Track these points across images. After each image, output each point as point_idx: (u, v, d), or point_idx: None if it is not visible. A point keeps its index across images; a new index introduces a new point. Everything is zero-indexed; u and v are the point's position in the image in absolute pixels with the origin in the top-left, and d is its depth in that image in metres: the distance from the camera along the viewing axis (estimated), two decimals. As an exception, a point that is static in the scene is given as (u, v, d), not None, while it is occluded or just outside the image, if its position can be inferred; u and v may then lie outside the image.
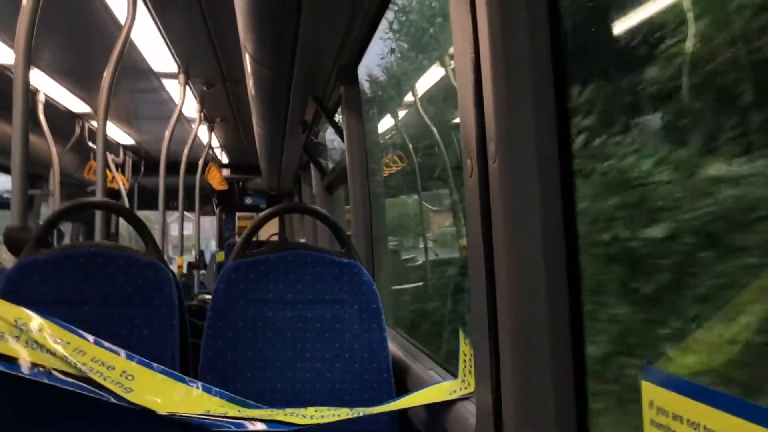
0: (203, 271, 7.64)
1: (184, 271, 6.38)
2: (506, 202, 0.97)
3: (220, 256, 8.08)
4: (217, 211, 10.09)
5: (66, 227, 7.73)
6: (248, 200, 9.77)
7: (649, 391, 0.78)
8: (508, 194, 0.96)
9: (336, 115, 3.21)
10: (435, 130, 3.43)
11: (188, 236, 8.45)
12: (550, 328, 0.97)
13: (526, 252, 0.96)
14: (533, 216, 0.96)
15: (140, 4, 2.89)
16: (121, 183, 6.38)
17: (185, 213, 6.35)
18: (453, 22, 1.08)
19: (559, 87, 0.95)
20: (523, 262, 0.96)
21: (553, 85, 0.95)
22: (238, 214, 9.94)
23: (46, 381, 1.50)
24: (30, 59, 2.06)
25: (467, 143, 1.06)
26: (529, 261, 0.96)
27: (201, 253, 8.04)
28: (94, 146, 4.93)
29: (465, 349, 1.48)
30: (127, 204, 6.44)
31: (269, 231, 7.62)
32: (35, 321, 1.56)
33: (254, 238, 2.04)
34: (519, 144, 0.94)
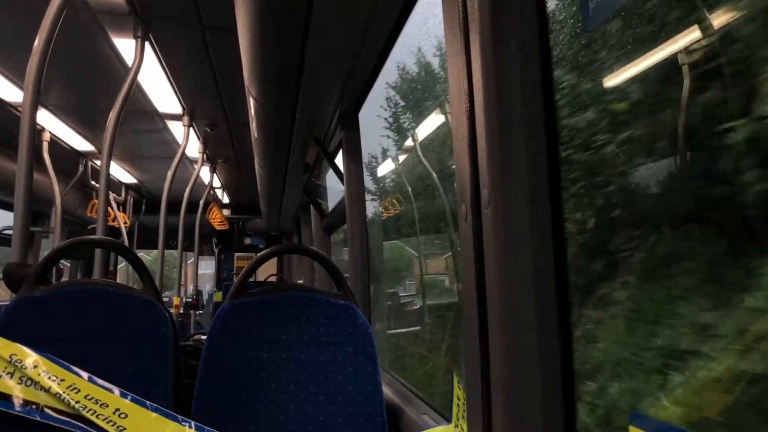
0: (200, 311, 7.60)
1: (182, 310, 6.35)
2: (498, 247, 0.99)
3: (218, 296, 8.06)
4: (216, 250, 10.10)
5: (69, 264, 7.72)
6: (247, 240, 9.79)
7: (637, 437, 0.79)
8: (500, 240, 0.98)
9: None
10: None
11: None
12: (542, 374, 0.98)
13: (517, 296, 0.98)
14: (525, 261, 0.98)
15: (148, 48, 2.96)
16: (122, 221, 6.40)
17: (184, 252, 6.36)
18: (450, 74, 1.12)
19: (550, 135, 0.98)
20: (515, 306, 0.98)
21: (545, 134, 0.98)
22: (236, 254, 9.95)
23: (38, 419, 1.50)
24: (38, 100, 2.11)
25: (462, 189, 1.09)
26: (520, 305, 0.98)
27: (199, 293, 8.02)
28: (97, 185, 4.97)
29: (459, 393, 1.47)
30: (126, 242, 6.46)
31: (268, 271, 7.62)
32: (30, 358, 1.56)
33: (252, 279, 2.05)
34: (511, 190, 0.97)
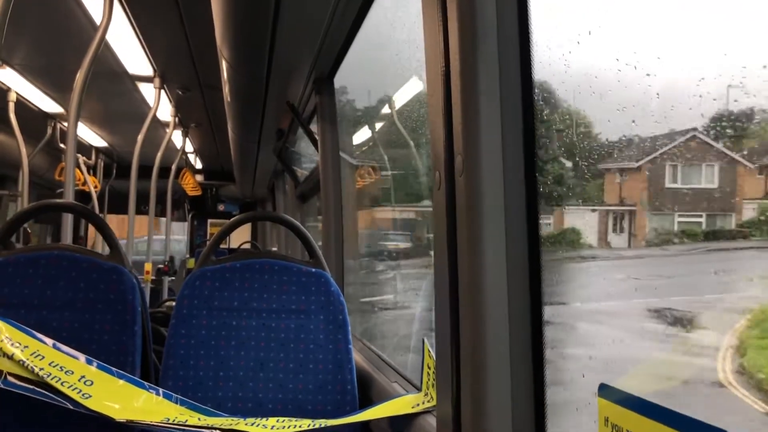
0: (172, 278, 7.53)
1: (153, 276, 6.27)
2: (471, 215, 0.97)
3: (191, 263, 7.98)
4: (189, 216, 9.98)
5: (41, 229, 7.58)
6: (221, 207, 9.69)
7: (604, 407, 0.79)
8: (473, 208, 0.97)
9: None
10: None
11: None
12: (511, 341, 0.98)
13: (489, 264, 0.97)
14: (497, 229, 0.97)
15: (117, 6, 2.86)
16: (92, 185, 6.28)
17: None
18: (425, 42, 1.10)
19: (526, 105, 0.97)
20: (486, 273, 0.97)
21: (521, 104, 0.96)
22: (210, 220, 9.85)
23: (1, 386, 1.47)
24: None
25: (436, 156, 1.07)
26: (492, 272, 0.97)
27: (171, 259, 7.94)
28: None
29: (429, 361, 1.47)
30: (97, 207, 6.34)
31: (242, 238, 7.56)
32: None
33: (225, 246, 2.02)
34: (485, 159, 0.95)
